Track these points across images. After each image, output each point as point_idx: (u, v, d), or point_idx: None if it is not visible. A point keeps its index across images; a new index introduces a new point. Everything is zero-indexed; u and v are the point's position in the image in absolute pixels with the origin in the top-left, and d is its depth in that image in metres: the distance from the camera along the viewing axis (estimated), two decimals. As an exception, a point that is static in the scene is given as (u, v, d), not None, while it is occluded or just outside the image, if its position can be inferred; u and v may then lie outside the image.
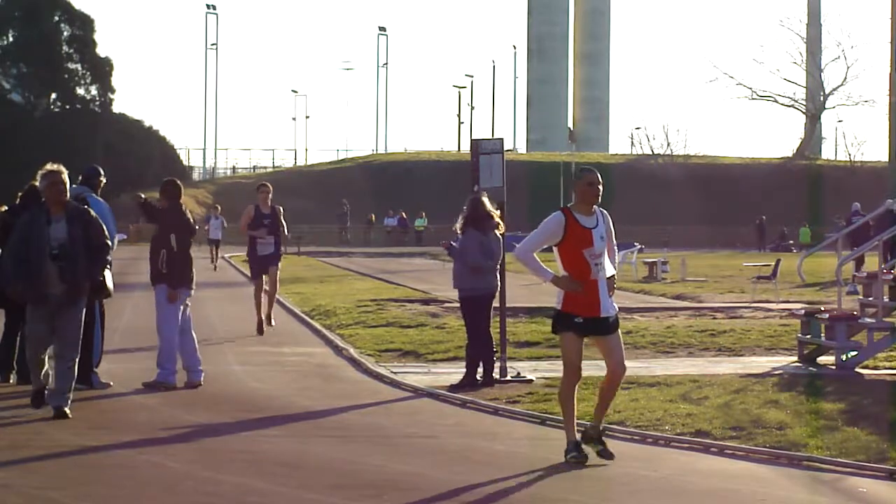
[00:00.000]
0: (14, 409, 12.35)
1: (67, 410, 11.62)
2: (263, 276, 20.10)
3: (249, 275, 17.87)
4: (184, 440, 10.78)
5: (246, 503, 8.50)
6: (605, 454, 9.74)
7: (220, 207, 46.61)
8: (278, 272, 20.40)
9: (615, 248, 10.12)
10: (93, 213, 12.08)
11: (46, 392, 11.87)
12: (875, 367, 15.49)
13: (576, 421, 9.82)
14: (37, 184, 14.54)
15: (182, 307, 14.25)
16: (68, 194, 11.97)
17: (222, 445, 10.57)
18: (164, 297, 14.13)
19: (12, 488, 8.73)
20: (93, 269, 11.88)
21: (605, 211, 9.92)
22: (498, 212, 14.62)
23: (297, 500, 8.57)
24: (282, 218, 20.11)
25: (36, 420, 11.64)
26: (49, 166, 11.94)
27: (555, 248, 9.76)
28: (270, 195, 20.18)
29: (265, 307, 20.15)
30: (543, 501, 8.66)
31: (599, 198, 9.79)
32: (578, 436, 9.74)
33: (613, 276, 9.98)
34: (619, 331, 9.97)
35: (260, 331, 19.70)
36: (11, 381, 14.16)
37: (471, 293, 14.36)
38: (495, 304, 14.80)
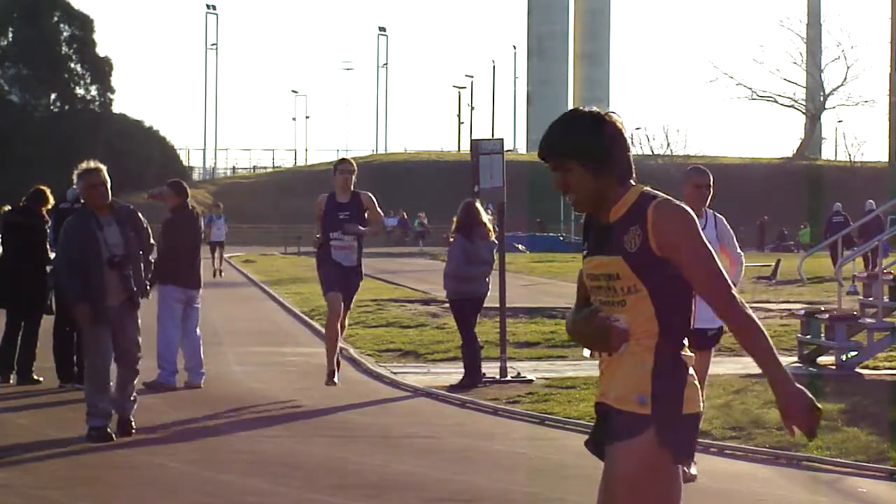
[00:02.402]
0: (14, 409, 12.35)
1: (132, 420, 10.89)
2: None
3: (322, 290, 13.19)
4: (184, 440, 10.78)
5: (246, 503, 8.51)
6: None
7: (222, 206, 44.19)
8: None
9: (738, 254, 9.28)
10: (139, 213, 11.11)
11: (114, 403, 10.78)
12: (875, 368, 15.49)
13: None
14: (42, 187, 14.61)
15: (184, 308, 14.26)
16: (110, 194, 10.74)
17: (222, 445, 10.57)
18: (166, 297, 14.13)
19: (12, 488, 8.73)
20: (147, 274, 10.97)
21: (719, 215, 9.21)
22: (490, 218, 14.65)
23: (298, 500, 8.57)
24: (376, 207, 13.76)
25: (36, 420, 11.64)
26: (86, 164, 10.69)
27: None
28: (353, 177, 13.76)
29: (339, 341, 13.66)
30: (543, 501, 8.66)
31: (707, 201, 9.02)
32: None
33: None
34: (712, 350, 9.26)
35: (331, 378, 13.26)
36: (11, 381, 14.17)
37: (454, 297, 14.44)
38: (496, 304, 14.81)
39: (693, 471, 8.95)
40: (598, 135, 4.38)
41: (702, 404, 4.45)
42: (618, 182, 4.41)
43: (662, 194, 4.41)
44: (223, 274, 37.35)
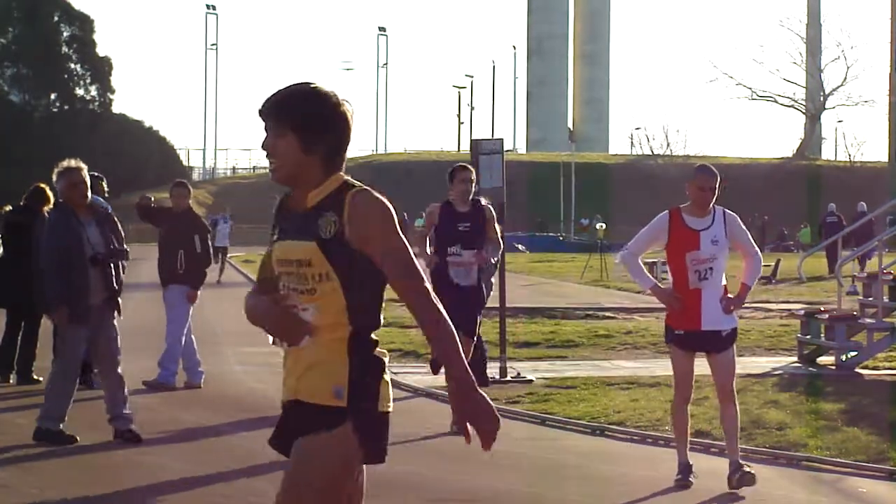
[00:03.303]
0: (14, 409, 12.35)
1: (134, 428, 10.67)
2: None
3: None
4: (184, 440, 10.78)
5: (246, 503, 8.50)
6: (747, 479, 8.76)
7: (228, 208, 42.44)
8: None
9: (755, 253, 8.98)
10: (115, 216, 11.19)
11: (110, 418, 10.73)
12: (875, 368, 15.49)
13: (689, 442, 9.13)
14: (42, 185, 14.59)
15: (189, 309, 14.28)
16: (90, 193, 10.73)
17: (222, 445, 10.57)
18: (176, 298, 14.11)
19: (12, 488, 8.72)
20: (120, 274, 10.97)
21: (730, 213, 8.96)
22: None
23: (298, 500, 8.56)
24: (495, 225, 11.85)
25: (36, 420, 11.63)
26: (66, 163, 10.65)
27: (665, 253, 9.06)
28: (473, 184, 11.91)
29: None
30: (543, 501, 8.65)
31: (712, 202, 8.83)
32: (691, 458, 8.99)
33: (746, 285, 8.92)
34: (732, 350, 9.15)
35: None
36: (11, 381, 14.17)
37: None
38: (496, 304, 14.81)
39: (691, 478, 8.96)
40: (324, 114, 4.24)
41: (391, 405, 4.36)
42: (323, 167, 4.27)
43: (365, 186, 4.26)
44: (223, 275, 35.79)
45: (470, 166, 12.20)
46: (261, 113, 4.29)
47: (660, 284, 9.25)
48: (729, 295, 8.85)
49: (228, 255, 39.19)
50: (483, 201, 11.73)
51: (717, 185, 8.79)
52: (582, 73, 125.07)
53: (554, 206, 75.67)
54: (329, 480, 4.19)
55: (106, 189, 14.42)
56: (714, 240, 8.73)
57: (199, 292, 14.31)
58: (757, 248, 9.06)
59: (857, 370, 15.15)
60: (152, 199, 14.87)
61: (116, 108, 79.23)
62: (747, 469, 8.76)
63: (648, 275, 9.09)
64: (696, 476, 8.95)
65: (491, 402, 4.23)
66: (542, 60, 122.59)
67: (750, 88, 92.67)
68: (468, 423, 4.23)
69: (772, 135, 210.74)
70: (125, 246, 10.97)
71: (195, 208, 15.38)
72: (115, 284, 10.63)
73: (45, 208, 14.34)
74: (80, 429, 10.70)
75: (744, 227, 8.95)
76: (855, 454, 9.84)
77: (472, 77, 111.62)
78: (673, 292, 8.86)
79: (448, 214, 11.76)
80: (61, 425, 10.52)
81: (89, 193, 10.68)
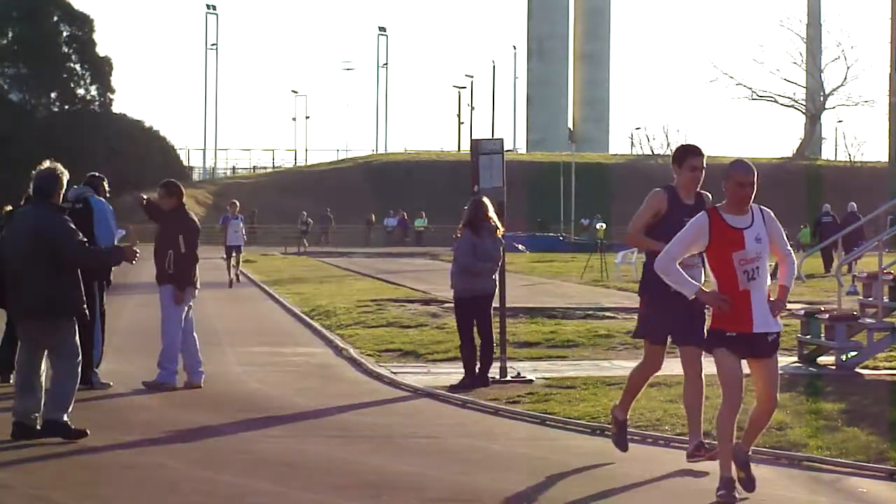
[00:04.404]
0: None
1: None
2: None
3: (637, 331, 10.09)
4: (184, 440, 10.78)
5: (246, 503, 8.51)
6: (747, 483, 8.48)
7: (238, 204, 35.79)
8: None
9: (789, 252, 8.61)
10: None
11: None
12: (875, 368, 15.48)
13: (733, 455, 8.54)
14: None
15: (186, 308, 14.26)
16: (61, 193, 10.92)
17: (222, 445, 10.57)
18: (169, 298, 14.12)
19: (12, 489, 8.73)
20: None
21: (766, 209, 8.54)
22: (494, 216, 14.62)
23: (297, 500, 8.57)
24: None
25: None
26: (45, 164, 10.93)
27: (704, 257, 8.59)
28: (702, 172, 9.87)
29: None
30: (543, 501, 8.65)
31: (751, 199, 8.43)
32: (734, 472, 8.45)
33: (785, 287, 8.54)
34: (776, 356, 8.61)
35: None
36: (12, 381, 14.16)
37: (463, 294, 14.39)
38: (496, 304, 14.80)
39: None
40: None
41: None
42: None
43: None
44: (239, 279, 33.31)
45: (702, 150, 10.03)
46: None
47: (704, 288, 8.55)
48: (770, 298, 8.44)
49: (243, 264, 35.96)
50: (707, 195, 9.88)
51: (755, 180, 8.39)
52: (582, 73, 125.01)
53: (554, 206, 75.64)
54: None
55: (107, 189, 14.43)
56: (758, 238, 8.36)
57: (190, 292, 14.22)
58: (790, 248, 8.72)
59: (858, 370, 15.15)
60: (144, 198, 14.85)
61: (116, 108, 79.17)
62: (750, 475, 8.49)
63: (691, 279, 8.55)
64: (739, 493, 8.47)
65: None
66: (543, 60, 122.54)
67: (750, 88, 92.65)
68: None
69: (772, 135, 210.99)
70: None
71: (195, 208, 15.36)
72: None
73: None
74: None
75: (779, 225, 8.56)
76: (855, 454, 9.84)
77: (472, 77, 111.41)
78: (720, 293, 8.35)
79: (674, 205, 9.69)
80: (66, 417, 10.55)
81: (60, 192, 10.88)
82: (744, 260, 8.30)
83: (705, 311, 9.05)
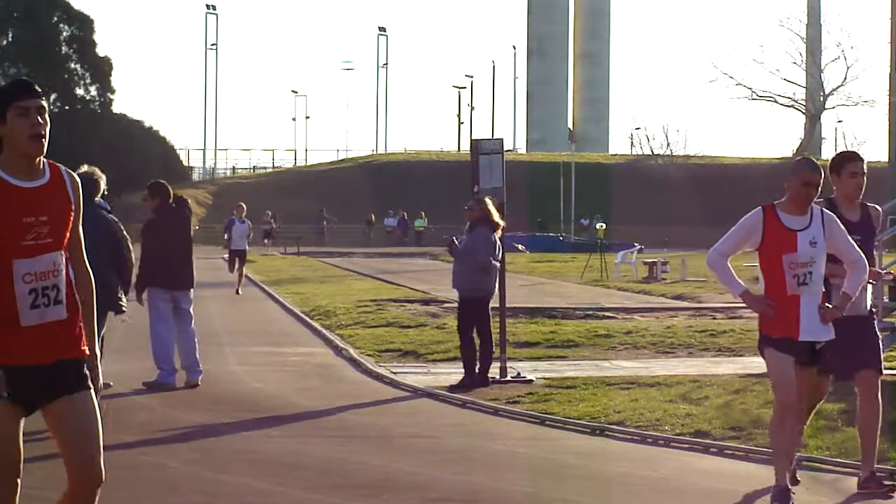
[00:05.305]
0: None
1: None
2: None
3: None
4: (184, 440, 10.78)
5: (246, 503, 8.51)
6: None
7: (245, 207, 32.73)
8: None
9: (857, 258, 8.15)
10: None
11: None
12: (875, 368, 15.46)
13: (793, 462, 8.28)
14: None
15: (174, 309, 14.24)
16: None
17: (222, 445, 10.57)
18: (152, 299, 14.12)
19: (12, 488, 8.72)
20: None
21: (828, 212, 8.10)
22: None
23: (297, 500, 8.57)
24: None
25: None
26: None
27: (757, 255, 8.13)
28: (863, 177, 8.86)
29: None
30: (543, 501, 8.65)
31: (813, 200, 8.03)
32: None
33: (847, 295, 8.08)
34: (814, 368, 8.22)
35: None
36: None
37: (473, 294, 14.35)
38: (496, 304, 14.81)
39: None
40: None
41: None
42: None
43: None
44: (239, 292, 30.04)
45: (861, 156, 9.24)
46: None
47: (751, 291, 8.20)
48: (827, 304, 8.05)
49: (247, 269, 32.92)
50: (870, 206, 9.00)
51: (822, 181, 8.01)
52: (582, 73, 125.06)
53: (554, 206, 75.64)
54: None
55: (105, 189, 14.39)
56: (812, 241, 7.92)
57: (182, 293, 14.23)
58: (861, 254, 8.20)
59: (857, 370, 15.12)
60: (143, 198, 14.92)
61: (116, 108, 79.18)
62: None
63: (738, 279, 8.15)
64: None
65: None
66: (542, 60, 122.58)
67: (750, 88, 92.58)
68: None
69: (772, 135, 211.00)
70: None
71: (195, 208, 15.35)
72: None
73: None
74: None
75: (843, 229, 8.12)
76: (855, 454, 9.81)
77: (472, 77, 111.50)
78: (765, 299, 7.97)
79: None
80: None
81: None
82: (794, 263, 7.89)
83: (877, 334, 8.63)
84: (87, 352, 5.54)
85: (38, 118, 5.32)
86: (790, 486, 8.04)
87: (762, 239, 7.97)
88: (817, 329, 7.98)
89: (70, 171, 5.55)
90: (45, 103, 5.34)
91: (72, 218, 5.43)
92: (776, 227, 7.95)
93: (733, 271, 8.13)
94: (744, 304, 8.33)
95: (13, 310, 5.27)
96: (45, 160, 5.44)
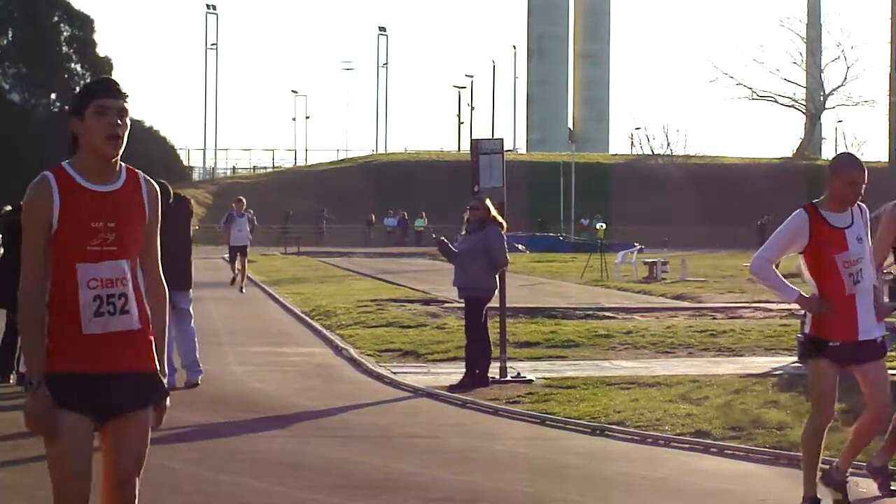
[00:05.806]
0: (14, 409, 12.34)
1: None
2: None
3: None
4: (184, 440, 10.78)
5: (246, 503, 8.51)
6: None
7: (245, 201, 31.62)
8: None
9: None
10: None
11: None
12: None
13: (818, 468, 8.10)
14: None
15: (172, 307, 14.25)
16: None
17: (222, 445, 10.57)
18: None
19: (13, 489, 8.73)
20: None
21: (861, 204, 7.88)
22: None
23: (297, 500, 8.57)
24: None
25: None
26: None
27: (801, 258, 7.83)
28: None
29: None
30: (543, 501, 8.66)
31: (858, 199, 7.81)
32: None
33: (877, 288, 7.95)
34: (884, 360, 7.93)
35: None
36: (11, 381, 14.18)
37: (481, 294, 14.39)
38: (496, 304, 14.83)
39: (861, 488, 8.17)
40: None
41: None
42: None
43: None
44: (243, 290, 29.38)
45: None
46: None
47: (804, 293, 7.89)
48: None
49: (250, 269, 32.09)
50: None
51: (865, 179, 7.80)
52: (582, 73, 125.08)
53: (554, 206, 75.64)
54: None
55: None
56: (859, 237, 7.73)
57: (181, 294, 14.25)
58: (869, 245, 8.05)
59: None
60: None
61: (117, 108, 79.29)
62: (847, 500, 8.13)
63: (790, 284, 7.84)
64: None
65: None
66: (542, 60, 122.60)
67: (750, 88, 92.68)
68: None
69: (772, 135, 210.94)
70: None
71: (195, 208, 15.35)
72: None
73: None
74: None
75: (868, 222, 7.96)
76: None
77: (472, 77, 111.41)
78: (823, 298, 7.70)
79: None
80: None
81: None
82: (848, 262, 7.67)
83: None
84: (157, 367, 5.23)
85: (118, 120, 5.11)
86: (819, 497, 7.95)
87: (810, 240, 7.70)
88: (873, 326, 7.80)
89: (150, 178, 5.28)
90: (127, 105, 5.12)
91: (144, 227, 5.14)
92: (823, 226, 7.69)
93: (783, 278, 7.89)
94: (798, 307, 8.11)
95: (76, 316, 4.99)
96: (123, 164, 5.20)
